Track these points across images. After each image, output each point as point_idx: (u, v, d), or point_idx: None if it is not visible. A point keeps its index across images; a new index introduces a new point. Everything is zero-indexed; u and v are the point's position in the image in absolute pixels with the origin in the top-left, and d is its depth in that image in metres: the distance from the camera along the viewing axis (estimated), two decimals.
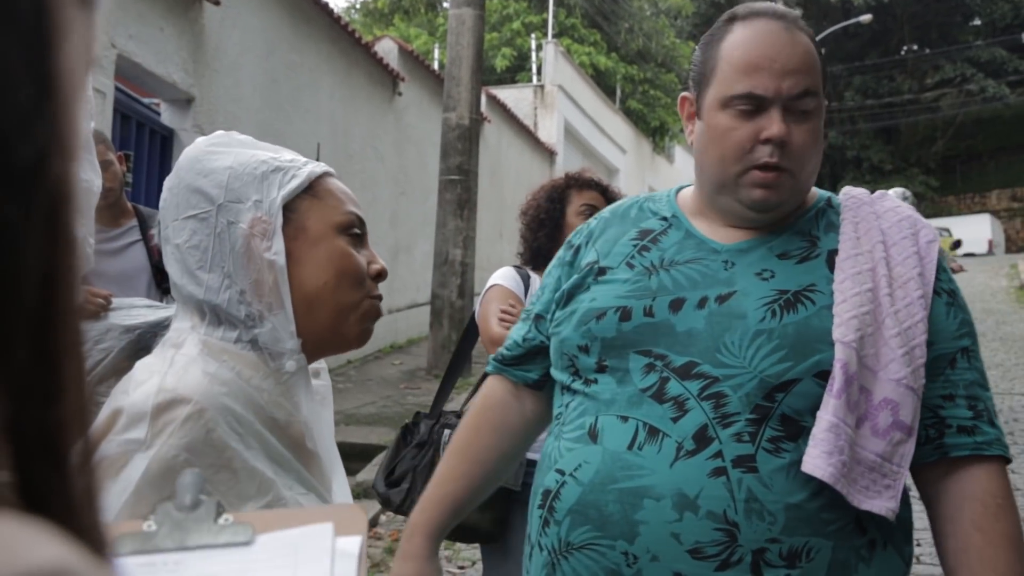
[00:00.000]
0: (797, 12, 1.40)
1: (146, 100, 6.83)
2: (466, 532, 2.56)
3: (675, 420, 1.24)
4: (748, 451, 1.21)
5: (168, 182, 1.13)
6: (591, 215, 2.70)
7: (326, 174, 1.16)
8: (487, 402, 1.54)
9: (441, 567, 1.49)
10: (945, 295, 1.31)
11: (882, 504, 1.21)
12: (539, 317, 1.50)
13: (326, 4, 8.71)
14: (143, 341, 3.10)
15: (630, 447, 1.25)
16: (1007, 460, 1.29)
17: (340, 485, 1.15)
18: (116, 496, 0.94)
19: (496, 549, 2.68)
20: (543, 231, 2.77)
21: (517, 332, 1.53)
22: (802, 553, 1.20)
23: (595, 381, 1.34)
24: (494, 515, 2.57)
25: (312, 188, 1.13)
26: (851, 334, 1.22)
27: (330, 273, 1.11)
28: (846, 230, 1.33)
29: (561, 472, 1.31)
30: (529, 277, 2.79)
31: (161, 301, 3.37)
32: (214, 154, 1.11)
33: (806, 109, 1.28)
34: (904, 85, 27.48)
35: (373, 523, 4.89)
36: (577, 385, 1.36)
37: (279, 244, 1.08)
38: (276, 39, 8.00)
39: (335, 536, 0.56)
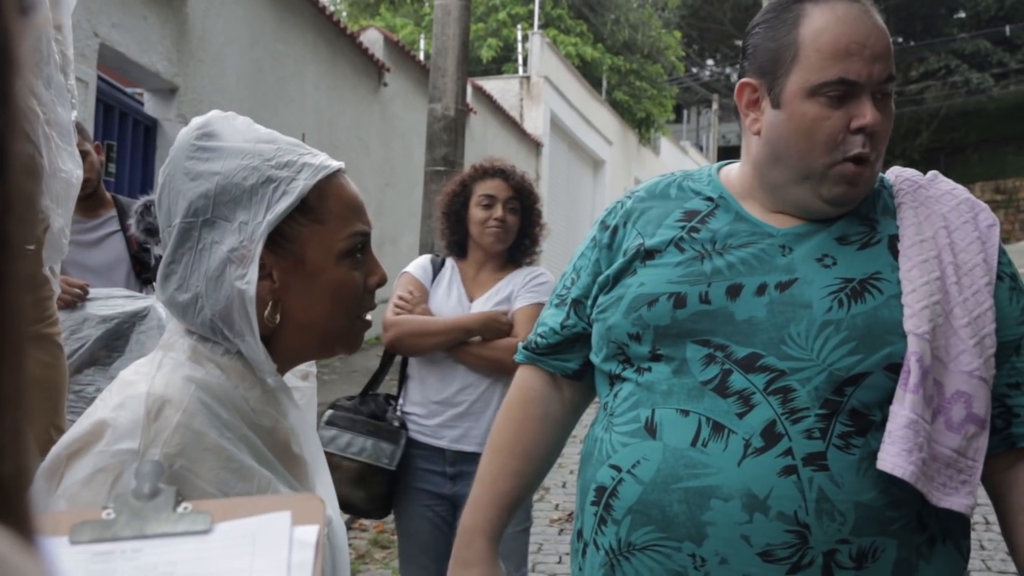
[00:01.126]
0: None
1: (129, 90, 6.79)
2: (342, 506, 2.62)
3: (741, 416, 1.19)
4: (819, 448, 1.17)
5: (161, 176, 1.07)
6: (491, 205, 2.74)
7: (330, 177, 1.07)
8: (526, 394, 1.48)
9: (504, 570, 1.44)
10: (1008, 279, 1.27)
11: (960, 501, 1.17)
12: (577, 302, 1.42)
13: None
14: (120, 331, 3.11)
15: (694, 443, 1.20)
16: None
17: (325, 489, 1.14)
18: None
19: (403, 532, 2.73)
20: (448, 222, 2.82)
21: (552, 319, 1.45)
22: (869, 553, 1.16)
23: (648, 370, 1.28)
24: (365, 493, 2.61)
25: (310, 206, 1.05)
26: (924, 325, 1.18)
27: (326, 304, 1.06)
28: (906, 215, 1.27)
29: (617, 468, 1.26)
30: (442, 265, 2.83)
31: (140, 291, 3.36)
32: (205, 152, 1.04)
33: (888, 92, 1.25)
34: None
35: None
36: (628, 374, 1.30)
37: (253, 273, 1.02)
38: (261, 29, 7.96)
39: (293, 525, 0.57)
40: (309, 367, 1.18)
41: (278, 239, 1.03)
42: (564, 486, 5.45)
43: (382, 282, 1.12)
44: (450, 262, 2.83)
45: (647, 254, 1.34)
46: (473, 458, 2.64)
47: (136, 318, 3.06)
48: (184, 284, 1.04)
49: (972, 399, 1.18)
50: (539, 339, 1.48)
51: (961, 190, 1.32)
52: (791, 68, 1.24)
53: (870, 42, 1.22)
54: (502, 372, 2.65)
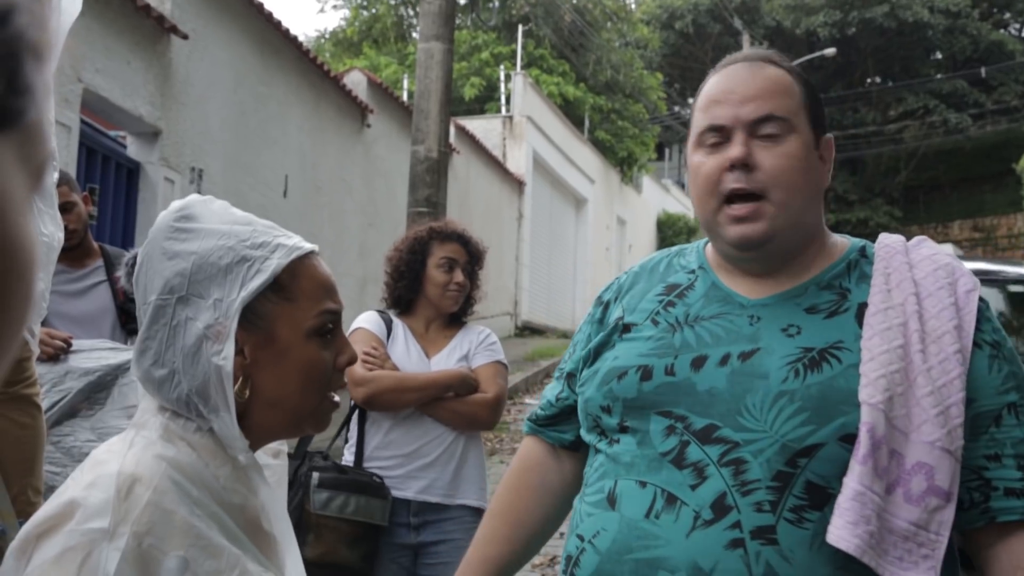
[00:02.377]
0: (770, 52, 1.39)
1: (112, 133, 6.81)
2: (337, 568, 2.61)
3: (694, 488, 1.20)
4: (768, 521, 1.16)
5: (140, 255, 1.11)
6: (451, 268, 2.82)
7: (303, 257, 1.10)
8: (525, 463, 1.50)
9: None
10: (988, 347, 1.22)
11: (920, 575, 1.13)
12: (571, 375, 1.45)
13: (295, 37, 8.75)
14: (102, 384, 3.09)
15: (647, 515, 1.22)
16: None
17: (295, 566, 1.15)
18: None
19: None
20: (403, 282, 2.84)
21: (551, 391, 1.49)
22: None
23: (617, 442, 1.30)
24: (364, 550, 2.63)
25: (282, 284, 1.08)
26: (878, 395, 1.15)
27: (296, 382, 1.08)
28: (877, 282, 1.26)
29: (581, 538, 1.28)
30: (392, 322, 2.85)
31: (125, 342, 3.35)
32: (183, 233, 1.08)
33: (772, 133, 1.25)
34: (868, 117, 27.98)
35: None
36: (602, 445, 1.33)
37: (229, 349, 1.04)
38: (244, 72, 8.02)
39: None
40: (280, 445, 1.19)
41: (250, 316, 1.06)
42: None
43: (352, 361, 1.13)
44: (397, 319, 2.87)
45: (625, 328, 1.37)
46: (437, 508, 2.70)
47: (119, 370, 3.06)
48: (160, 360, 1.06)
49: (934, 471, 1.15)
50: (539, 411, 1.51)
51: (943, 255, 1.28)
52: (689, 131, 1.36)
53: (740, 87, 1.28)
54: (473, 426, 2.80)
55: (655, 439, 1.25)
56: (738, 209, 1.26)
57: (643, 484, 1.24)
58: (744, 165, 1.25)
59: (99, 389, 3.03)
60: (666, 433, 1.24)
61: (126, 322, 3.40)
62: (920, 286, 1.24)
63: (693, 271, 1.39)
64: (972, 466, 1.18)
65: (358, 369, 2.68)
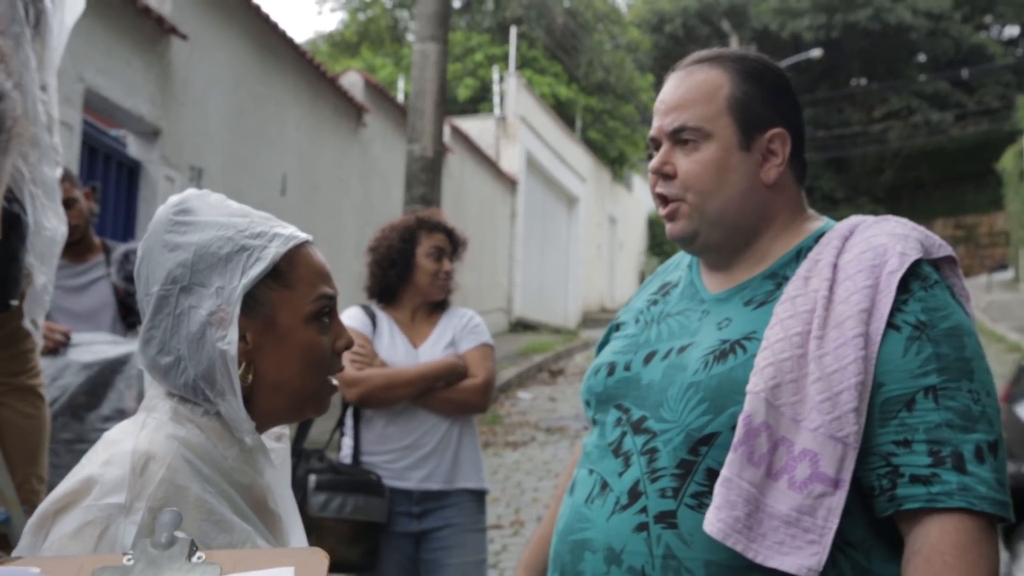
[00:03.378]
0: (716, 50, 1.42)
1: (113, 132, 6.89)
2: (338, 566, 2.65)
3: (620, 475, 1.28)
4: (670, 507, 1.22)
5: (140, 249, 1.14)
6: (439, 257, 2.87)
7: (299, 246, 1.14)
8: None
9: None
10: (908, 328, 1.19)
11: (796, 561, 1.14)
12: None
13: (292, 39, 8.84)
14: (102, 377, 3.13)
15: (586, 500, 1.31)
16: (984, 513, 1.13)
17: (299, 544, 1.18)
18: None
19: None
20: (394, 270, 2.86)
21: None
22: None
23: (588, 433, 1.41)
24: (364, 547, 2.68)
25: (281, 272, 1.12)
26: (762, 383, 1.18)
27: (296, 366, 1.12)
28: (800, 270, 1.27)
29: (556, 523, 1.39)
30: (376, 315, 2.87)
31: (125, 335, 3.35)
32: (183, 226, 1.11)
33: (688, 140, 1.32)
34: (853, 117, 28.22)
35: None
36: (583, 437, 1.44)
37: (233, 334, 1.08)
38: (243, 72, 8.11)
39: None
40: (282, 430, 1.25)
41: (251, 303, 1.10)
42: (539, 520, 5.51)
43: (348, 345, 1.18)
44: (381, 312, 2.90)
45: (617, 327, 1.49)
46: (438, 495, 2.77)
47: (118, 365, 3.08)
48: (165, 347, 1.10)
49: (819, 457, 1.15)
50: None
51: (883, 235, 1.26)
52: None
53: (667, 98, 1.36)
54: (466, 411, 2.85)
55: (608, 430, 1.34)
56: (663, 210, 1.36)
57: (591, 472, 1.33)
58: (664, 175, 1.34)
59: (99, 385, 3.04)
60: (615, 424, 1.33)
61: (126, 316, 3.38)
62: (840, 270, 1.24)
63: (684, 269, 1.47)
64: (881, 452, 1.16)
65: (348, 370, 2.68)
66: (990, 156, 23.27)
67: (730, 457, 1.17)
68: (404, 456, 2.75)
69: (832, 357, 1.18)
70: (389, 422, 2.77)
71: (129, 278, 3.37)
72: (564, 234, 18.41)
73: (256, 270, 1.09)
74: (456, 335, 2.89)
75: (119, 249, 3.45)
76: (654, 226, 24.55)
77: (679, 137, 1.33)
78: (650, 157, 1.39)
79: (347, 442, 2.84)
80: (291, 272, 1.12)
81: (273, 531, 1.12)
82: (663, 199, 1.36)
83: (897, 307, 1.20)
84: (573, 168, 18.03)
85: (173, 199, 1.15)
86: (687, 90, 1.34)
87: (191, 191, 1.16)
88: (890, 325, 1.19)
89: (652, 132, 1.38)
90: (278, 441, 1.22)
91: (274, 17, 8.49)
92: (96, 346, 3.11)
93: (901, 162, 28.43)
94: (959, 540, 1.11)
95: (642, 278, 22.21)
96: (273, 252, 1.11)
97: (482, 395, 2.84)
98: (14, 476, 2.34)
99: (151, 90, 6.82)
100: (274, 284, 1.11)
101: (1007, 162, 21.04)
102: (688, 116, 1.32)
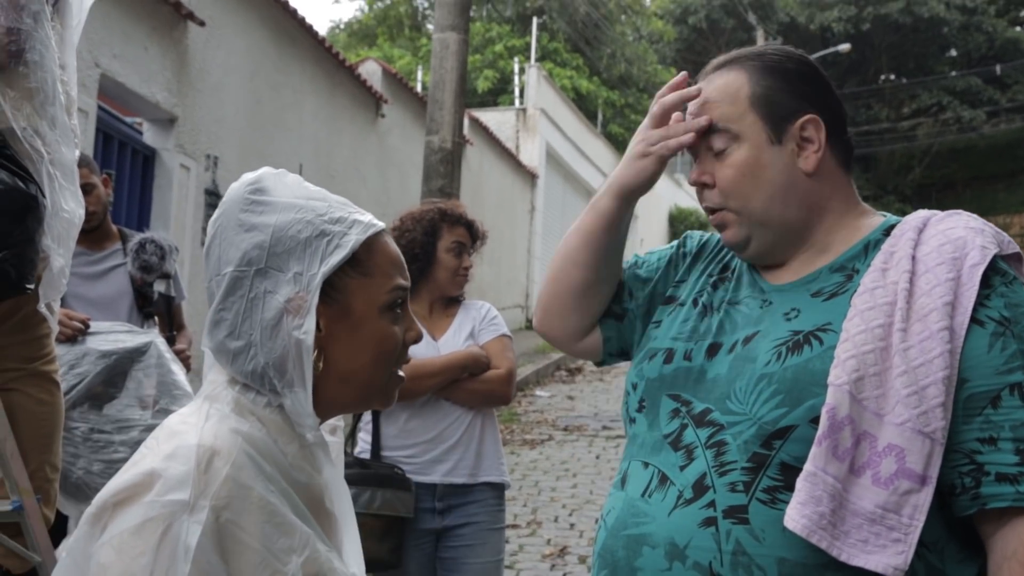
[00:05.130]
0: (735, 51, 1.40)
1: (129, 119, 6.83)
2: (370, 565, 2.59)
3: (682, 468, 1.24)
4: (741, 501, 1.18)
5: (212, 227, 1.10)
6: (460, 252, 2.81)
7: (376, 235, 1.11)
8: None
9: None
10: (992, 324, 1.17)
11: (882, 560, 1.11)
12: (635, 271, 1.50)
13: (310, 26, 8.76)
14: (120, 367, 3.09)
15: (643, 494, 1.26)
16: None
17: (352, 545, 1.16)
18: (170, 560, 0.93)
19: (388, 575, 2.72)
20: (415, 264, 2.79)
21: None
22: None
23: (634, 421, 1.36)
24: (392, 543, 2.63)
25: (359, 259, 1.08)
26: (845, 376, 1.15)
27: (368, 356, 1.09)
28: (876, 262, 1.25)
29: (603, 516, 1.34)
30: None
31: (142, 325, 3.37)
32: (259, 206, 1.07)
33: (719, 147, 1.31)
34: (882, 113, 27.88)
35: None
36: (627, 428, 1.38)
37: (310, 323, 1.04)
38: (260, 60, 8.03)
39: None
40: (336, 421, 1.21)
41: (328, 289, 1.06)
42: (556, 520, 5.43)
43: (418, 338, 1.15)
44: None
45: (669, 300, 1.45)
46: (462, 490, 2.71)
47: (136, 354, 3.06)
48: (235, 331, 1.06)
49: (906, 453, 1.12)
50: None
51: (960, 228, 1.24)
52: None
53: (691, 108, 1.35)
54: (492, 403, 2.83)
55: (662, 421, 1.30)
56: (713, 218, 1.35)
57: (646, 464, 1.29)
58: (703, 184, 1.34)
59: (117, 374, 3.03)
60: (671, 416, 1.29)
61: (143, 305, 3.42)
62: (919, 263, 1.22)
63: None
64: (964, 450, 1.14)
65: None
66: (1023, 155, 22.88)
67: (814, 451, 1.13)
68: (428, 450, 2.72)
69: (917, 350, 1.15)
70: (412, 415, 2.73)
71: (145, 268, 3.35)
72: None
73: (336, 257, 1.06)
74: (475, 327, 2.87)
75: (135, 238, 3.43)
76: (675, 222, 24.35)
77: (711, 144, 1.32)
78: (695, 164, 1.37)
79: (363, 437, 2.80)
80: (369, 260, 1.09)
81: (328, 532, 1.09)
82: (710, 210, 1.36)
83: (980, 302, 1.18)
84: (594, 162, 17.89)
85: (248, 176, 1.11)
86: (708, 94, 1.34)
87: (267, 169, 1.13)
88: (973, 320, 1.17)
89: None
90: (332, 434, 1.18)
91: (292, 4, 8.40)
92: (114, 335, 3.10)
93: (930, 160, 28.06)
94: None
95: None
96: (354, 239, 1.08)
97: (507, 385, 2.81)
98: (27, 463, 2.32)
99: (167, 77, 6.74)
100: (352, 272, 1.08)
101: None
102: (715, 116, 1.31)
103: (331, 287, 1.07)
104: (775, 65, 1.33)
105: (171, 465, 0.97)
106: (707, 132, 1.32)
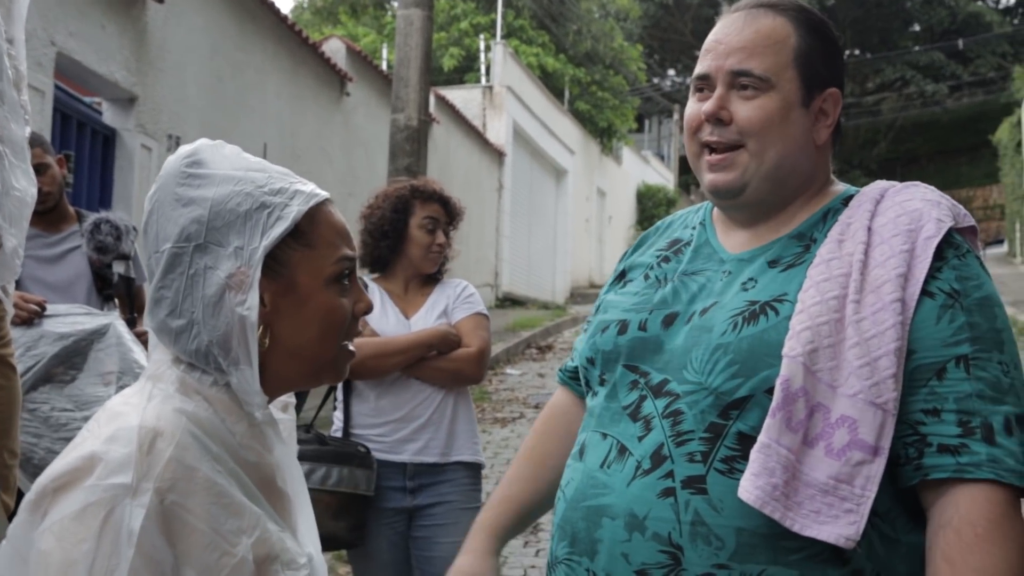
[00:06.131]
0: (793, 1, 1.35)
1: (87, 99, 6.69)
2: (326, 542, 2.58)
3: (640, 439, 1.23)
4: (699, 471, 1.17)
5: (148, 203, 1.06)
6: (433, 229, 2.79)
7: (319, 204, 1.08)
8: (553, 411, 1.55)
9: (498, 565, 1.46)
10: (942, 296, 1.16)
11: (834, 531, 1.11)
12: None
13: (272, 3, 8.62)
14: (78, 348, 3.04)
15: (601, 465, 1.25)
16: (1012, 486, 1.10)
17: (307, 524, 1.14)
18: (113, 545, 0.91)
19: (360, 554, 2.72)
20: (386, 241, 2.79)
21: (578, 342, 1.49)
22: None
23: (595, 394, 1.34)
24: (350, 521, 2.61)
25: (301, 231, 1.05)
26: (799, 347, 1.14)
27: (316, 329, 1.06)
28: (832, 232, 1.24)
29: (561, 487, 1.33)
30: (366, 286, 2.79)
31: (101, 308, 3.31)
32: (196, 179, 1.04)
33: (750, 87, 1.26)
34: (846, 89, 28.03)
35: None
36: (588, 399, 1.37)
37: (253, 298, 1.02)
38: (221, 38, 7.89)
39: None
40: (288, 398, 1.17)
41: (271, 263, 1.04)
42: None
43: (368, 309, 1.12)
44: (373, 283, 2.82)
45: (619, 279, 1.44)
46: (433, 469, 2.70)
47: (95, 335, 3.01)
48: (176, 310, 1.03)
49: (858, 424, 1.12)
50: (568, 361, 1.55)
51: (916, 200, 1.24)
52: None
53: (728, 38, 1.29)
54: (460, 382, 2.79)
55: (620, 392, 1.29)
56: (713, 157, 1.29)
57: (604, 436, 1.28)
58: (718, 120, 1.28)
59: (75, 354, 2.98)
60: (630, 387, 1.28)
61: (102, 288, 3.35)
62: (875, 234, 1.21)
63: (695, 227, 1.41)
64: (909, 421, 1.14)
65: None
66: (985, 128, 23.18)
67: (768, 422, 1.13)
68: (398, 428, 2.70)
69: (870, 322, 1.15)
70: (382, 394, 2.71)
71: (100, 248, 3.30)
72: (552, 207, 18.26)
73: (278, 230, 1.03)
74: (449, 305, 2.83)
75: (89, 218, 3.35)
76: (643, 199, 24.42)
77: (739, 81, 1.27)
78: (699, 92, 1.32)
79: (338, 415, 2.78)
80: (312, 231, 1.06)
81: (280, 511, 1.06)
82: (710, 147, 1.29)
83: (932, 274, 1.17)
84: (561, 140, 17.85)
85: (185, 149, 1.07)
86: (754, 34, 1.28)
87: (203, 141, 1.08)
88: (924, 292, 1.17)
89: (704, 70, 1.30)
90: (284, 411, 1.15)
91: None
92: (72, 317, 3.05)
93: (895, 135, 28.34)
94: (990, 512, 1.09)
95: None
96: (295, 210, 1.04)
97: (476, 364, 2.76)
98: None
99: (126, 55, 6.61)
100: (295, 244, 1.05)
101: (1002, 134, 20.92)
102: (756, 63, 1.26)
103: (274, 260, 1.04)
104: (819, 27, 1.32)
105: (112, 448, 0.94)
106: (738, 72, 1.27)
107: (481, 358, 2.77)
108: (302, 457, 2.54)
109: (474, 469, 2.79)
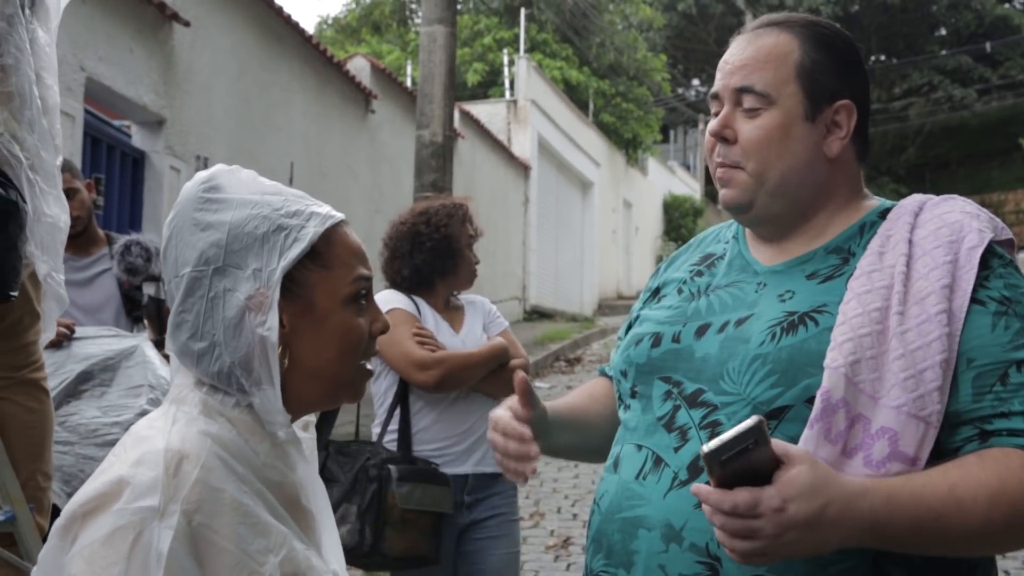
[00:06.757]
0: (789, 14, 1.38)
1: (116, 122, 6.79)
2: (417, 561, 2.59)
3: (676, 450, 1.23)
4: None
5: (167, 229, 1.08)
6: (472, 247, 2.79)
7: (335, 226, 1.10)
8: (595, 386, 1.54)
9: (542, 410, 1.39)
10: (994, 304, 1.17)
11: None
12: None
13: (297, 23, 8.71)
14: (106, 366, 3.07)
15: (637, 476, 1.26)
16: None
17: (331, 542, 1.14)
18: (142, 568, 0.92)
19: (410, 573, 2.70)
20: (450, 260, 2.77)
21: (613, 354, 1.51)
22: None
23: (628, 407, 1.35)
24: (438, 540, 2.60)
25: (318, 252, 1.07)
26: (841, 359, 1.15)
27: (334, 350, 1.08)
28: (872, 245, 1.25)
29: (595, 500, 1.34)
30: (416, 301, 2.78)
31: (131, 330, 3.34)
32: (214, 203, 1.06)
33: (752, 106, 1.28)
34: (873, 94, 27.67)
35: None
36: (620, 411, 1.38)
37: (273, 319, 1.03)
38: (247, 59, 7.98)
39: None
40: (309, 417, 1.18)
41: (289, 284, 1.05)
42: (559, 511, 5.42)
43: (385, 329, 1.14)
44: (417, 298, 2.81)
45: (653, 294, 1.45)
46: (490, 480, 2.70)
47: (123, 356, 3.05)
48: (198, 332, 1.05)
49: (899, 436, 1.13)
50: (605, 367, 1.56)
51: (956, 212, 1.25)
52: None
53: (732, 58, 1.32)
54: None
55: (655, 404, 1.29)
56: (718, 172, 1.32)
57: (639, 447, 1.28)
58: (723, 138, 1.30)
59: (104, 371, 3.02)
60: (664, 398, 1.29)
61: (131, 310, 3.39)
62: (916, 246, 1.22)
63: (728, 241, 1.42)
64: (974, 424, 1.14)
65: (419, 352, 2.63)
66: (1015, 132, 22.89)
67: (806, 433, 1.13)
68: (462, 440, 2.71)
69: (915, 333, 1.16)
70: (446, 408, 2.72)
71: (130, 270, 3.34)
72: (578, 220, 18.24)
73: (295, 251, 1.05)
74: (486, 322, 2.88)
75: (120, 241, 3.40)
76: (669, 210, 24.33)
77: (743, 99, 1.29)
78: (715, 113, 1.34)
79: (387, 430, 2.74)
80: (329, 252, 1.08)
81: (306, 530, 1.08)
82: (720, 165, 1.32)
83: (979, 283, 1.18)
84: (586, 152, 17.84)
85: (202, 175, 1.09)
86: (755, 52, 1.30)
87: (220, 167, 1.11)
88: (974, 300, 1.18)
89: (716, 88, 1.33)
90: (304, 430, 1.17)
91: (278, 1, 8.34)
92: (101, 339, 3.10)
93: (923, 140, 28.04)
94: None
95: (659, 263, 22.10)
96: (312, 232, 1.07)
97: (527, 374, 2.82)
98: (18, 473, 2.32)
99: (154, 78, 6.70)
100: (312, 265, 1.07)
101: None
102: (756, 79, 1.29)
103: (292, 282, 1.05)
104: (828, 40, 1.31)
105: (139, 471, 0.96)
106: (740, 89, 1.29)
107: (528, 368, 2.83)
108: (403, 478, 2.54)
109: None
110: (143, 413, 2.76)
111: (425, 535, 2.55)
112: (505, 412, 1.37)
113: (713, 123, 1.31)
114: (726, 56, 1.34)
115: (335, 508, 2.51)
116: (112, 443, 2.76)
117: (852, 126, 1.30)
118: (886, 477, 1.12)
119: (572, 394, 1.56)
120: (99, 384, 3.01)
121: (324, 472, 2.57)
